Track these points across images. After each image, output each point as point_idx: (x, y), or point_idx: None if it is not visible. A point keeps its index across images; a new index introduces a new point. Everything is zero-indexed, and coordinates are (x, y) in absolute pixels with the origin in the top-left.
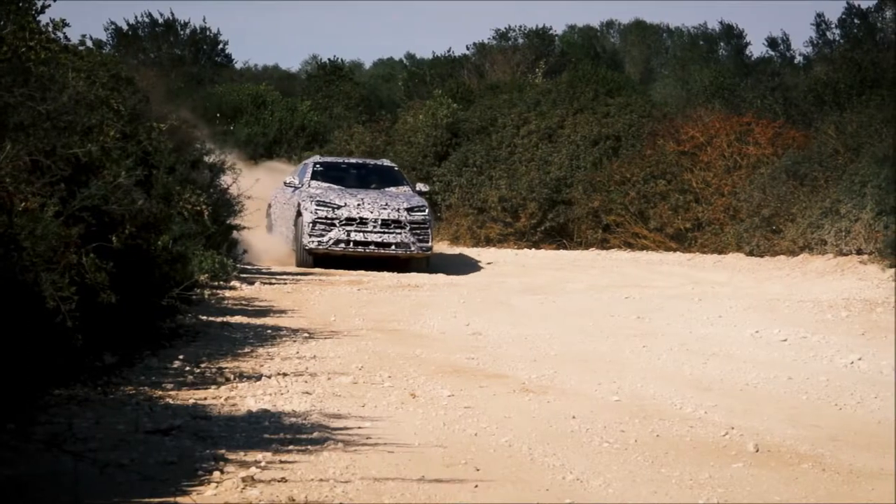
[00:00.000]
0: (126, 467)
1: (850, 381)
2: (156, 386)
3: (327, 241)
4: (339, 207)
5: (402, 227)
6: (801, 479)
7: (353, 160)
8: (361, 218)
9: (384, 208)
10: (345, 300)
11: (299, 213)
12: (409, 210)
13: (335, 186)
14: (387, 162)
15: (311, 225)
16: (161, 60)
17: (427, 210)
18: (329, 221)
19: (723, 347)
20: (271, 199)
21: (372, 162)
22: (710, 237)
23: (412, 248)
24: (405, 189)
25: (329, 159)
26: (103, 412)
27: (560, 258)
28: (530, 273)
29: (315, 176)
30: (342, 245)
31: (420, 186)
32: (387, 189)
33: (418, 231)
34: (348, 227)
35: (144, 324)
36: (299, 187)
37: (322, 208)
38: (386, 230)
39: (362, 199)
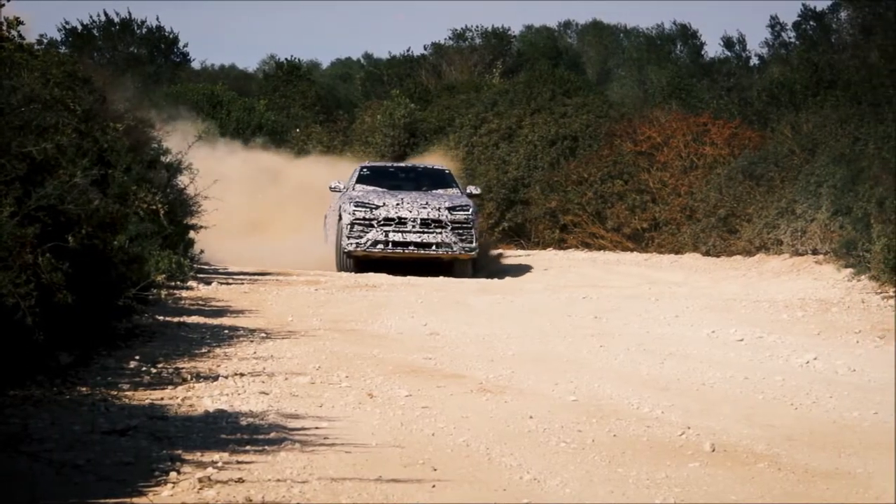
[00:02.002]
0: (82, 468)
1: (806, 380)
2: (112, 386)
3: (365, 243)
4: (377, 208)
5: (443, 227)
6: (756, 479)
7: (401, 164)
8: (400, 218)
9: (424, 207)
10: (302, 300)
11: (340, 217)
12: (451, 209)
13: (379, 189)
14: (437, 165)
15: (349, 226)
16: (117, 60)
17: (471, 210)
18: (367, 222)
19: (679, 347)
20: (327, 210)
21: (421, 165)
22: (666, 237)
23: (454, 249)
24: (453, 191)
25: (377, 164)
26: (59, 413)
27: (517, 258)
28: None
29: (361, 180)
30: (380, 246)
31: (471, 189)
32: (434, 191)
33: (460, 231)
34: (386, 228)
35: (101, 324)
36: (343, 192)
37: (360, 209)
38: (426, 230)
39: (402, 198)
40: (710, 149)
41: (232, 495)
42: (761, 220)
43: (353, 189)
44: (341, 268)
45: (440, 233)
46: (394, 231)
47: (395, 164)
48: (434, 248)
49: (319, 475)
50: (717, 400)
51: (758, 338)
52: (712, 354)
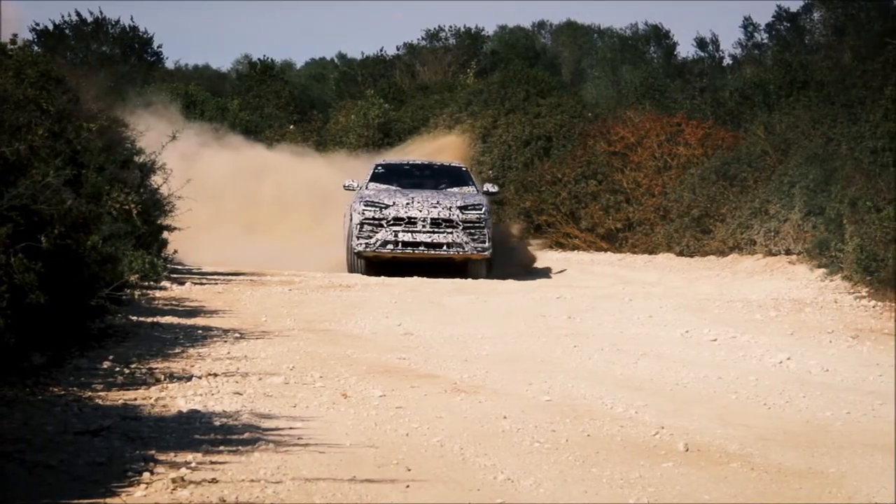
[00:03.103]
0: (55, 468)
1: (779, 380)
2: (85, 386)
3: (375, 243)
4: (386, 207)
5: (454, 227)
6: (730, 479)
7: (418, 161)
8: (410, 217)
9: (435, 207)
10: (276, 300)
11: (351, 217)
12: (463, 208)
13: (392, 187)
14: (455, 162)
15: (358, 226)
16: (89, 60)
17: (484, 209)
18: (377, 222)
19: (653, 347)
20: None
21: (438, 163)
22: (640, 237)
23: (466, 249)
24: (469, 189)
25: (393, 161)
26: (32, 413)
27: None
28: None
29: (374, 178)
30: (390, 246)
31: (488, 187)
32: (448, 189)
33: (472, 231)
34: (396, 228)
35: (74, 324)
36: (357, 190)
37: (369, 208)
38: (436, 230)
39: (412, 197)
40: (684, 149)
41: (205, 496)
42: (735, 220)
43: (367, 188)
44: (352, 269)
45: (451, 233)
46: (403, 231)
47: (412, 162)
48: (445, 248)
49: (293, 475)
50: (691, 400)
51: (731, 338)
52: (686, 354)
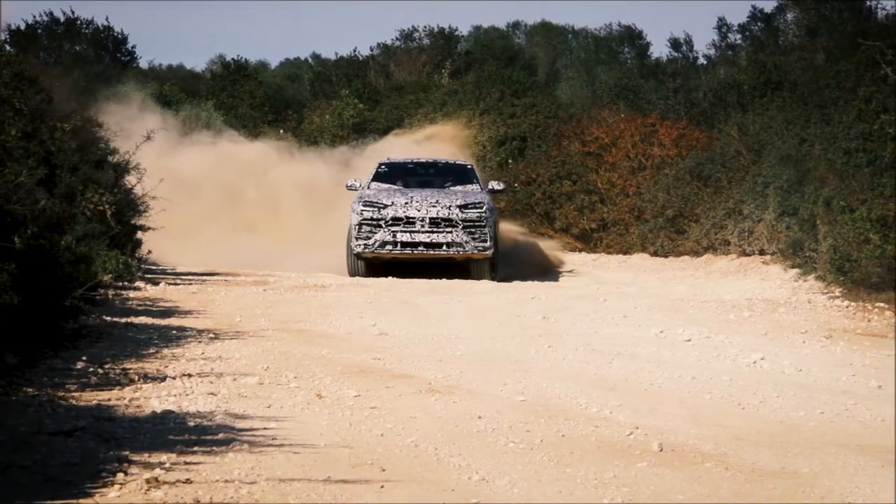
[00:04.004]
0: (29, 469)
1: (753, 380)
2: (59, 387)
3: (373, 244)
4: (384, 207)
5: (453, 226)
6: (704, 478)
7: (422, 160)
8: (408, 217)
9: (433, 206)
10: (250, 300)
11: (350, 218)
12: (462, 207)
13: (393, 187)
14: (460, 160)
15: (357, 227)
16: (63, 60)
17: (485, 207)
18: (375, 222)
19: (627, 347)
20: None
21: (443, 161)
22: (615, 237)
23: (467, 249)
24: (473, 187)
25: (396, 160)
26: (5, 413)
27: None
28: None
29: (376, 177)
30: (388, 247)
31: (493, 185)
32: (451, 188)
33: (472, 230)
34: (394, 228)
35: (47, 324)
36: (359, 190)
37: (368, 209)
38: (435, 229)
39: (412, 197)
40: (658, 149)
41: (180, 496)
42: (709, 220)
43: (368, 187)
44: (353, 271)
45: (450, 232)
46: (402, 231)
47: (416, 160)
48: (445, 248)
49: (268, 476)
50: (665, 400)
51: (705, 338)
52: (660, 354)
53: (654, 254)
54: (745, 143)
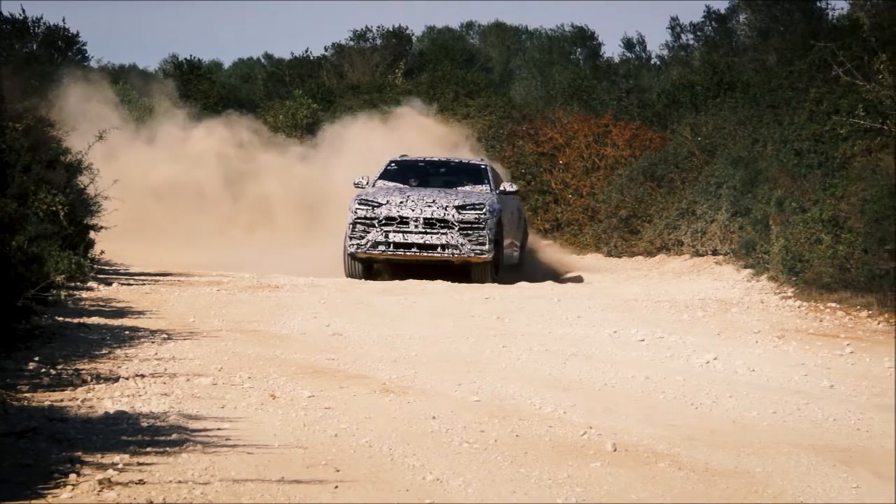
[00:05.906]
0: None
1: (706, 380)
2: (10, 388)
3: (366, 244)
4: (379, 206)
5: (448, 227)
6: (658, 478)
7: (435, 158)
8: (402, 217)
9: (429, 206)
10: (204, 301)
11: (347, 216)
12: (460, 208)
13: (398, 185)
14: (475, 160)
15: (351, 226)
16: (14, 59)
17: (486, 209)
18: (369, 222)
19: (581, 347)
20: None
21: (456, 160)
22: (569, 237)
23: (463, 251)
24: (482, 188)
25: (408, 157)
26: None
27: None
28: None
29: (384, 175)
30: (381, 248)
31: (505, 186)
32: (458, 188)
33: (469, 231)
34: (387, 228)
35: None
36: (364, 187)
37: (363, 207)
38: (429, 230)
39: (408, 196)
40: (612, 150)
41: (133, 497)
42: (662, 220)
43: (373, 186)
44: (349, 273)
45: (445, 234)
46: (394, 231)
47: (427, 159)
48: (439, 249)
49: (221, 476)
50: (619, 400)
51: (659, 338)
52: (614, 354)
53: (608, 254)
54: (698, 144)
